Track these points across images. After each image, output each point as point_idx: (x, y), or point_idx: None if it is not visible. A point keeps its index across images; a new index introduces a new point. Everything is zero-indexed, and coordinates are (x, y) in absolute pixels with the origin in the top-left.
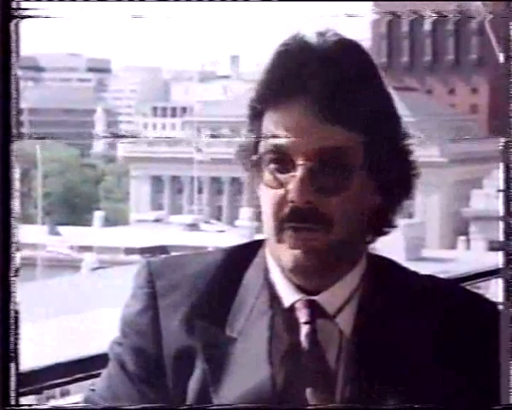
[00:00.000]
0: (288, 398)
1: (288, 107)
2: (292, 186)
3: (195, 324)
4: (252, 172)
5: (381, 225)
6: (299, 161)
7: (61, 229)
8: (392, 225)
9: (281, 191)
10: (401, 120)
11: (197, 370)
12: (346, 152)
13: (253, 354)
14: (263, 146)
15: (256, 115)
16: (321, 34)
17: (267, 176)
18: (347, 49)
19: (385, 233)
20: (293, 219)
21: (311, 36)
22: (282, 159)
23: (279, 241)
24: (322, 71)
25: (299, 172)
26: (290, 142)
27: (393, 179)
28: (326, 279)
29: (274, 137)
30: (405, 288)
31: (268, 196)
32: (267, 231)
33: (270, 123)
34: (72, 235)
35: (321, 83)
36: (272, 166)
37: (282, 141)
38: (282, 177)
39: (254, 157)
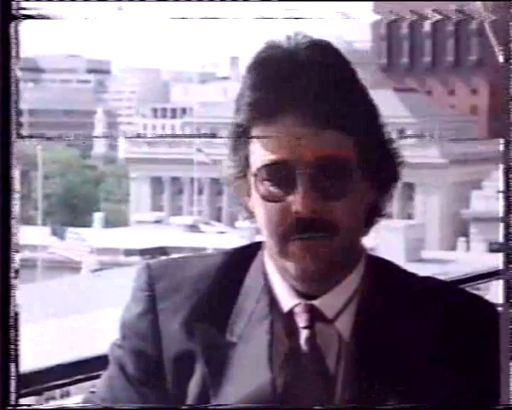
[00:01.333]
0: (288, 402)
1: (276, 120)
2: (294, 197)
3: (195, 327)
4: (239, 185)
5: (374, 216)
6: (299, 171)
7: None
8: (382, 215)
9: (282, 204)
10: (379, 113)
11: (197, 373)
12: (341, 155)
13: (253, 358)
14: (256, 162)
15: (241, 133)
16: (289, 38)
17: (264, 190)
18: (322, 50)
19: (376, 223)
20: (299, 231)
21: (282, 43)
22: (280, 171)
23: (284, 253)
24: (304, 77)
25: (300, 183)
26: (287, 153)
27: (384, 174)
28: (326, 284)
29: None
30: (404, 290)
31: (267, 210)
32: (269, 244)
33: (258, 139)
34: (76, 237)
35: (305, 90)
36: (270, 180)
37: (278, 154)
38: (282, 189)
39: (249, 175)
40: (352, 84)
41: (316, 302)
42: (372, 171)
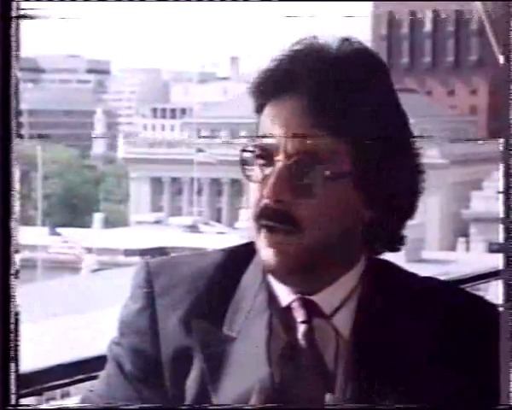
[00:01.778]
0: (286, 397)
1: (282, 103)
2: (267, 183)
3: (193, 323)
4: (244, 168)
5: (386, 239)
6: (278, 158)
7: (64, 231)
8: (399, 241)
9: (259, 187)
10: (412, 138)
11: (195, 369)
12: (328, 159)
13: (252, 353)
14: (254, 142)
15: (259, 108)
16: (342, 40)
17: (254, 171)
18: (359, 55)
19: (394, 249)
20: (264, 217)
21: (327, 40)
22: (267, 154)
23: (256, 238)
24: (322, 73)
25: (276, 170)
26: (276, 139)
27: (390, 195)
28: (318, 281)
29: (261, 134)
30: (403, 289)
31: (252, 192)
32: (249, 227)
33: (266, 118)
34: (72, 236)
35: (317, 85)
36: (259, 161)
37: (269, 137)
38: (264, 172)
39: (244, 152)
40: (372, 95)
41: (314, 297)
42: (369, 186)
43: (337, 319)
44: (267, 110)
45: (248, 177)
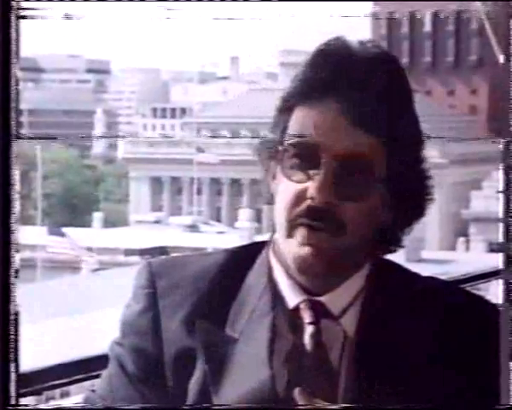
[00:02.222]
0: (291, 398)
1: (321, 106)
2: (314, 183)
3: (196, 324)
4: (269, 165)
5: (389, 242)
6: (325, 159)
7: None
8: (399, 244)
9: (301, 186)
10: (424, 143)
11: (197, 370)
12: (371, 161)
13: (254, 354)
14: (289, 139)
15: (286, 109)
16: (362, 42)
17: (289, 169)
18: (388, 60)
19: (392, 251)
20: (307, 216)
21: (352, 42)
22: (308, 154)
23: (289, 236)
24: (361, 77)
25: (323, 170)
26: (319, 139)
27: (408, 198)
28: (330, 281)
29: (297, 132)
30: (408, 289)
31: (287, 190)
32: (278, 226)
33: (298, 119)
34: (73, 236)
35: (358, 88)
36: (296, 160)
37: (310, 136)
38: (305, 171)
39: (280, 148)
40: (402, 103)
41: (322, 298)
42: (395, 190)
43: (345, 320)
44: (300, 111)
45: (287, 175)
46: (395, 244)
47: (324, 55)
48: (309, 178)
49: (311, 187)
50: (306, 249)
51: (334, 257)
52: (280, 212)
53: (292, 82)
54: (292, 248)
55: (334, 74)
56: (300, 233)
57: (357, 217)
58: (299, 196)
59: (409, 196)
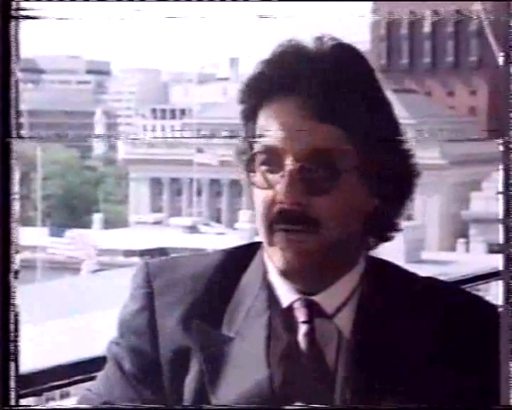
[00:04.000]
0: (287, 397)
1: (281, 105)
2: (280, 187)
3: (193, 324)
4: (247, 174)
5: (383, 229)
6: (288, 162)
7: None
8: (395, 229)
9: (270, 192)
10: (399, 124)
11: (194, 370)
12: (336, 154)
13: (251, 353)
14: (255, 147)
15: (249, 113)
16: (318, 38)
17: (258, 177)
18: (345, 52)
19: (389, 238)
20: (281, 221)
21: (308, 40)
22: (273, 159)
23: (270, 243)
24: (317, 71)
25: (286, 173)
26: (280, 142)
27: (390, 183)
28: (323, 280)
29: (261, 136)
30: (404, 288)
31: (259, 198)
32: (260, 234)
33: (263, 123)
34: (79, 237)
35: (315, 83)
36: (263, 166)
37: (272, 141)
38: (272, 177)
39: (245, 157)
40: (367, 90)
41: (316, 297)
42: (372, 177)
43: (339, 319)
44: (263, 115)
45: (254, 184)
46: (391, 229)
47: (279, 54)
48: (276, 182)
49: (279, 191)
50: (288, 254)
51: (320, 255)
52: (258, 220)
53: (247, 85)
54: (276, 254)
55: (290, 73)
56: (279, 239)
57: (333, 210)
58: (270, 202)
59: (392, 180)
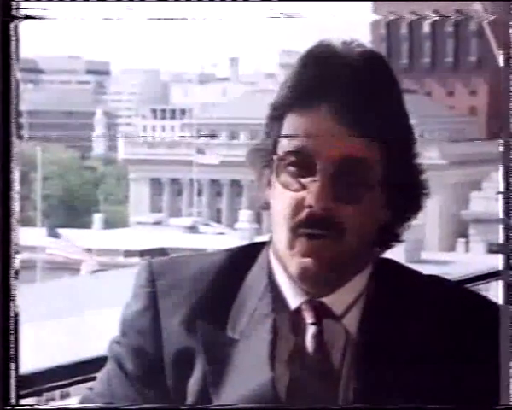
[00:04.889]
0: (293, 399)
1: (313, 112)
2: (311, 190)
3: (196, 324)
4: (263, 173)
5: (388, 239)
6: (321, 166)
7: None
8: (398, 240)
9: (299, 195)
10: (415, 139)
11: (197, 371)
12: (366, 163)
13: (255, 355)
14: (283, 147)
15: (277, 117)
16: (345, 43)
17: (285, 178)
18: (374, 59)
19: (391, 247)
20: (308, 225)
21: (337, 44)
22: (304, 162)
23: (290, 247)
24: (350, 80)
25: (319, 177)
26: (314, 145)
27: (404, 196)
28: (333, 284)
29: (290, 136)
30: (411, 289)
31: (284, 199)
32: (278, 236)
33: (290, 126)
34: (72, 238)
35: (348, 90)
36: (292, 168)
37: (305, 144)
38: (301, 180)
39: (274, 157)
40: (392, 102)
41: (324, 299)
42: (392, 189)
43: (347, 320)
44: (291, 119)
45: (282, 185)
46: (394, 240)
47: (311, 60)
48: (306, 186)
49: (309, 195)
50: (308, 260)
51: (337, 263)
52: (279, 222)
53: (280, 89)
54: (293, 258)
55: (322, 79)
56: (301, 243)
57: (357, 220)
58: (298, 205)
59: (405, 193)
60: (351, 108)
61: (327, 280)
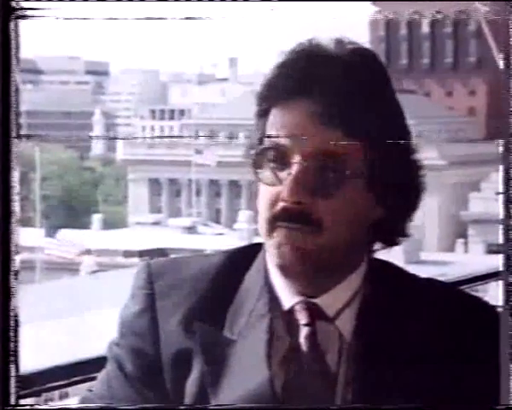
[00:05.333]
0: (288, 400)
1: (292, 106)
2: (286, 184)
3: (194, 325)
4: (254, 171)
5: (390, 235)
6: (295, 160)
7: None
8: (403, 235)
9: (276, 189)
10: (410, 135)
11: (195, 371)
12: (343, 158)
13: (252, 356)
14: (264, 143)
15: (262, 112)
16: (338, 41)
17: (265, 173)
18: (363, 57)
19: (397, 243)
20: (283, 218)
21: (327, 41)
22: (280, 157)
23: (269, 237)
24: (334, 75)
25: (293, 171)
26: (289, 140)
27: (397, 194)
28: (324, 283)
29: (270, 136)
30: (406, 290)
31: (264, 194)
32: (260, 228)
33: (274, 121)
34: (70, 238)
35: (330, 86)
36: (271, 163)
37: (281, 139)
38: (279, 175)
39: (253, 153)
40: (382, 98)
41: (317, 300)
42: (380, 186)
43: (340, 322)
44: (274, 113)
45: (261, 180)
46: (398, 235)
47: (297, 55)
48: (282, 180)
49: (284, 189)
50: (285, 249)
51: (317, 256)
52: (260, 215)
53: (264, 85)
54: (273, 248)
55: (306, 74)
56: (278, 234)
57: (335, 214)
58: (274, 199)
59: (399, 191)
60: (330, 103)
61: (313, 276)
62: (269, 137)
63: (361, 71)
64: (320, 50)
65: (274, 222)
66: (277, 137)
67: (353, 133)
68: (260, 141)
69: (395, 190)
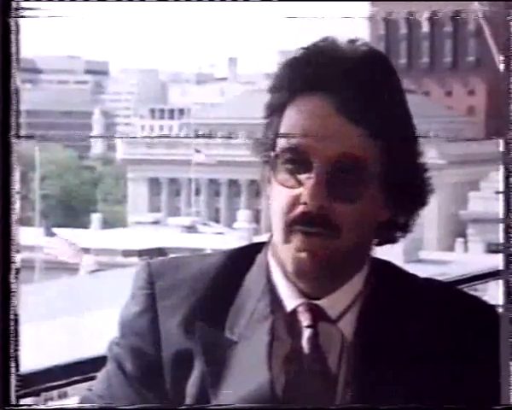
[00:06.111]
0: (289, 401)
1: (311, 104)
2: (306, 188)
3: (195, 325)
4: (264, 170)
5: (392, 233)
6: (317, 163)
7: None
8: (406, 231)
9: (295, 191)
10: (418, 139)
11: (195, 372)
12: (363, 160)
13: (253, 357)
14: (280, 143)
15: (277, 107)
16: (351, 41)
17: (282, 175)
18: (377, 58)
19: (396, 240)
20: (302, 222)
21: (341, 41)
22: (300, 159)
23: (286, 242)
24: (350, 74)
25: (315, 175)
26: (311, 142)
27: (405, 195)
28: (329, 284)
29: (288, 136)
30: (405, 291)
31: (281, 195)
32: (275, 231)
33: (290, 120)
34: (69, 237)
35: (347, 85)
36: (289, 165)
37: (301, 140)
38: (297, 177)
39: (272, 154)
40: (395, 101)
41: (320, 302)
42: (391, 186)
43: (343, 324)
44: (291, 111)
45: (278, 181)
46: (400, 234)
47: (313, 53)
48: (302, 183)
49: (304, 192)
50: (303, 255)
51: (333, 260)
52: (276, 218)
53: (278, 81)
54: (289, 253)
55: (323, 73)
56: (297, 239)
57: (353, 218)
58: (293, 202)
59: (407, 192)
60: (349, 104)
61: (323, 279)
62: (286, 136)
63: (378, 72)
64: (337, 49)
65: (291, 226)
66: (296, 136)
67: (373, 133)
68: (274, 140)
69: (403, 191)
